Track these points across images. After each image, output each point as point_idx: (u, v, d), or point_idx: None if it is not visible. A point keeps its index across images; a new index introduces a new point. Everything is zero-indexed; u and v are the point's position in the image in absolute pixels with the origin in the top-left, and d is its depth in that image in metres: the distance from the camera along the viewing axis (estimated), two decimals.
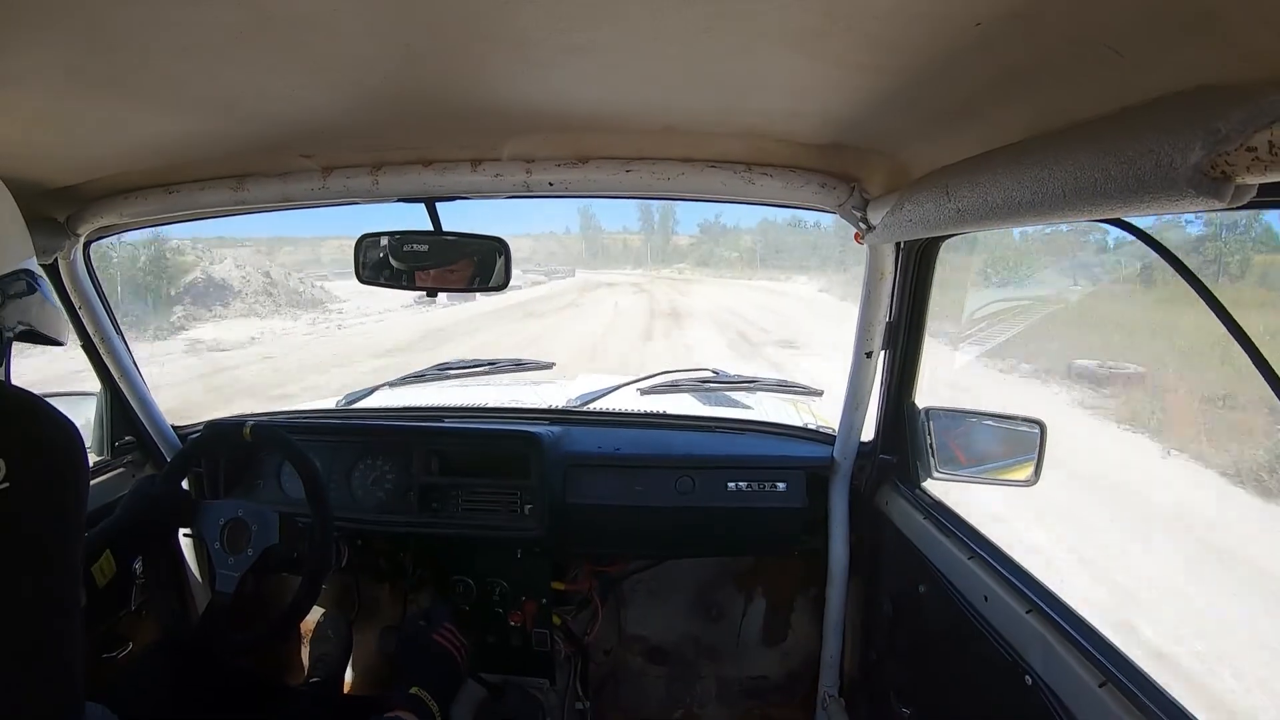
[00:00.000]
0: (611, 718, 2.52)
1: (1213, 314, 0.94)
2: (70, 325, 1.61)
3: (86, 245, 1.95)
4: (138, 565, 1.81)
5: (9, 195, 1.08)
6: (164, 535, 1.84)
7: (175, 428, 2.33)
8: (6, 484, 0.77)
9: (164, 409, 2.30)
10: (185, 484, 1.94)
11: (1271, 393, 0.86)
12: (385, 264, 1.72)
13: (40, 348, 1.16)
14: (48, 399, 0.88)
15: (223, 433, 1.98)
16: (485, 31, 0.89)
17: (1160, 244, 1.05)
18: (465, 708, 2.36)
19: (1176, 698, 1.06)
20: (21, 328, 1.04)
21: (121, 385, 2.16)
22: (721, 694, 2.57)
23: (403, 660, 1.81)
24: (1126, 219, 0.97)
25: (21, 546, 0.79)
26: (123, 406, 2.21)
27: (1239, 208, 0.66)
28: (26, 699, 0.78)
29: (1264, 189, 0.64)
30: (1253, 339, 0.90)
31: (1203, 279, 0.95)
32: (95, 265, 2.03)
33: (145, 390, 2.21)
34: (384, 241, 1.72)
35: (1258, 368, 0.87)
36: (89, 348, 2.08)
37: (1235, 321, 0.93)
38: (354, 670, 2.54)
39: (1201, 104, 0.65)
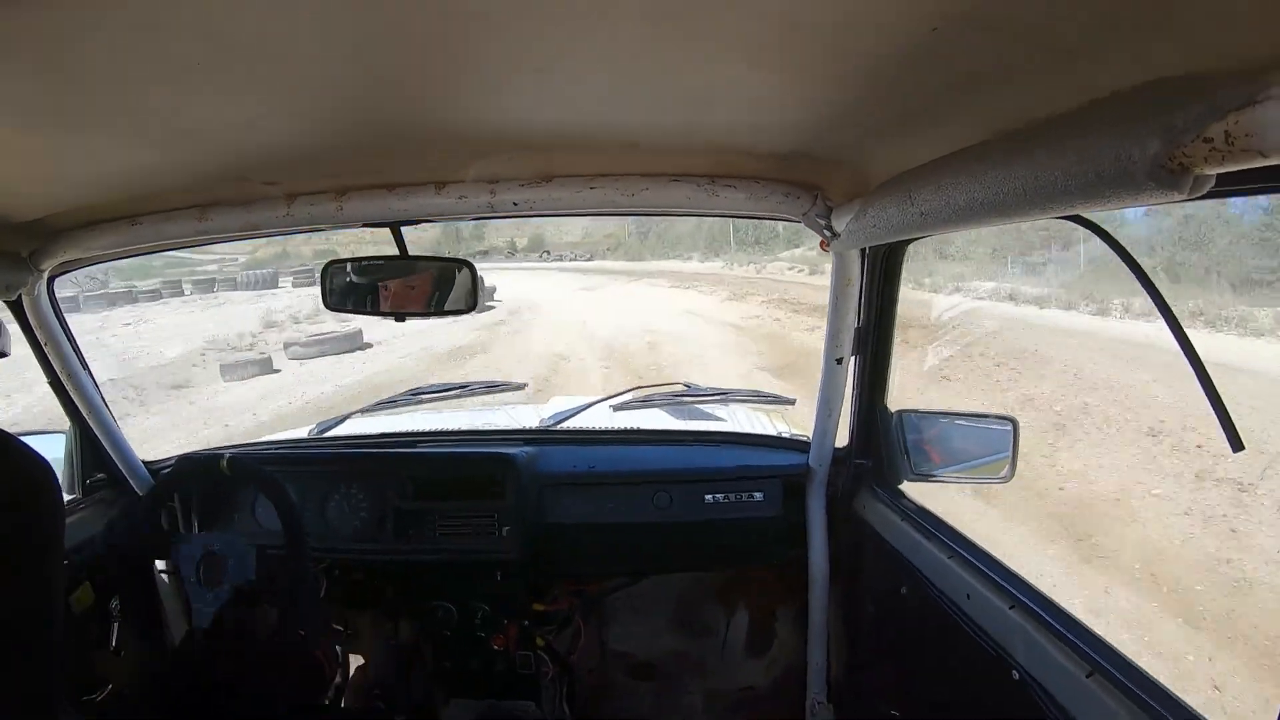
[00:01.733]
0: None
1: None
2: (9, 337, 1.57)
3: (50, 280, 1.91)
4: (115, 604, 1.76)
5: None
6: (141, 569, 1.80)
7: (145, 463, 2.28)
8: None
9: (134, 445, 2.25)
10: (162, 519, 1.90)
11: (1210, 406, 0.88)
12: (353, 290, 1.72)
13: None
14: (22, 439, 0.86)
15: (199, 466, 1.95)
16: (446, 56, 0.89)
17: (1116, 241, 1.07)
18: None
19: (1165, 684, 1.07)
20: None
21: (90, 422, 2.11)
22: (709, 707, 2.55)
23: None
24: (1086, 215, 0.99)
25: None
26: (92, 444, 2.16)
27: (1198, 198, 0.68)
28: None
29: (1221, 179, 0.65)
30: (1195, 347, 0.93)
31: (1154, 280, 0.98)
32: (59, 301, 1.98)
33: (115, 426, 2.16)
34: (350, 267, 1.72)
35: (1198, 378, 0.89)
36: (56, 385, 2.03)
37: (1180, 325, 0.95)
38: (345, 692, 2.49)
39: (1158, 98, 0.67)
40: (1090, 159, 0.72)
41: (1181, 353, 0.95)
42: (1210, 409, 0.92)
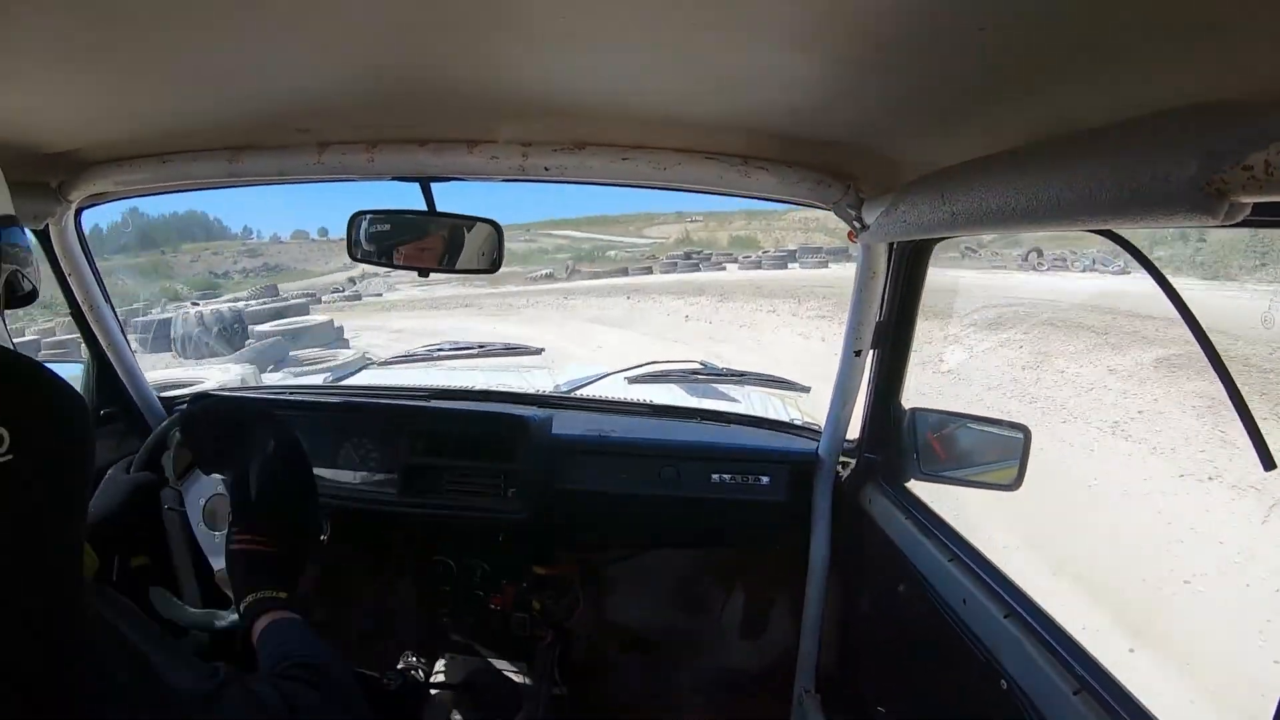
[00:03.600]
0: (588, 704, 2.53)
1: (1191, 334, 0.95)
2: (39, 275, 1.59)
3: (78, 212, 1.92)
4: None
5: None
6: (147, 523, 1.82)
7: (162, 398, 2.31)
8: (10, 456, 0.74)
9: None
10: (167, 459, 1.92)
11: (1243, 426, 0.87)
12: (378, 240, 1.72)
13: None
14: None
15: (212, 405, 1.97)
16: (488, 14, 0.88)
17: (1144, 255, 1.06)
18: (444, 686, 2.38)
19: (1149, 707, 1.07)
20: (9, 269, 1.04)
21: (109, 354, 2.14)
22: (699, 685, 2.58)
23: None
24: (1118, 231, 0.98)
25: (21, 522, 0.76)
26: (109, 377, 2.19)
27: (1232, 225, 0.66)
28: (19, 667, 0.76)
29: (1258, 208, 0.64)
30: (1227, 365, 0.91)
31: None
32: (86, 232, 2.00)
33: (132, 360, 2.19)
34: (377, 219, 1.71)
35: (1231, 399, 0.88)
36: (77, 315, 2.06)
37: (1213, 345, 0.94)
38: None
39: (1201, 121, 0.65)
40: (1127, 175, 0.71)
41: (1212, 369, 0.94)
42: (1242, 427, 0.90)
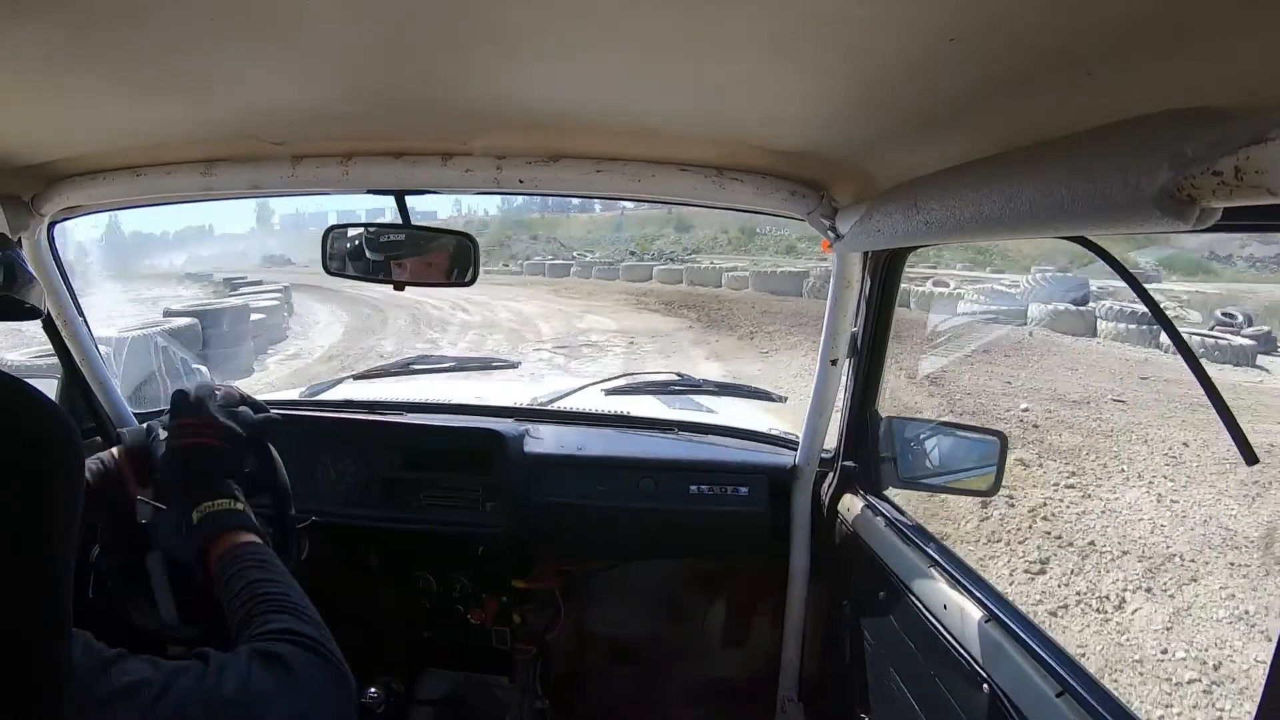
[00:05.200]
0: (572, 717, 2.51)
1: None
2: (43, 293, 1.55)
3: (51, 226, 1.89)
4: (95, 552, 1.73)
5: None
6: (127, 524, 1.77)
7: (136, 414, 2.27)
8: None
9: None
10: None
11: (1222, 423, 0.88)
12: (355, 255, 1.71)
13: None
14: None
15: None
16: (463, 26, 0.88)
17: (1116, 260, 1.07)
18: (426, 702, 2.35)
19: (1133, 709, 1.08)
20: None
21: (83, 369, 2.10)
22: (682, 695, 2.57)
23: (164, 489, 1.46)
24: (1090, 238, 0.99)
25: (10, 543, 0.73)
26: (83, 391, 2.15)
27: (1203, 230, 0.67)
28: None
29: (1229, 213, 0.65)
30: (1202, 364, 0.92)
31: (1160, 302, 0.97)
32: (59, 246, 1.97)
33: (106, 374, 2.15)
34: (352, 233, 1.71)
35: (1209, 397, 0.89)
36: (50, 330, 2.02)
37: (1189, 347, 0.95)
38: None
39: (1170, 127, 0.66)
40: (1098, 182, 0.72)
41: (1191, 371, 0.95)
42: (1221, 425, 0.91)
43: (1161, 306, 1.04)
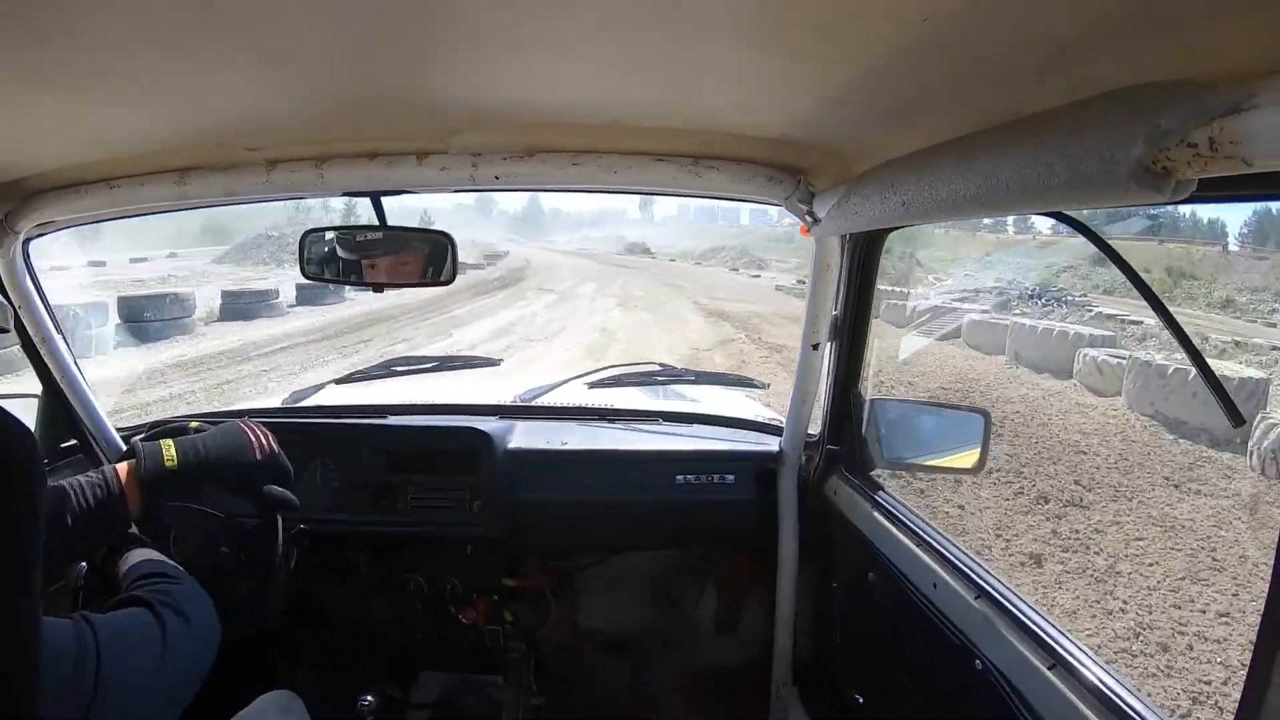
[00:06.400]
0: (568, 711, 2.51)
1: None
2: (11, 314, 1.52)
3: (26, 243, 1.86)
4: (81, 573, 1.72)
5: None
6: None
7: (118, 429, 2.24)
8: None
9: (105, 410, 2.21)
10: None
11: (1207, 387, 0.89)
12: (332, 259, 1.69)
13: None
14: None
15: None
16: (432, 24, 0.87)
17: (1099, 237, 1.08)
18: (422, 706, 2.34)
19: (1125, 679, 1.09)
20: None
21: (63, 386, 2.07)
22: (676, 685, 2.57)
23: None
24: (1068, 212, 0.99)
25: None
26: (65, 409, 2.12)
27: (1179, 202, 0.68)
28: None
29: (1204, 184, 0.65)
30: (1187, 333, 0.93)
31: (1140, 273, 0.98)
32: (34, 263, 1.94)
33: (87, 392, 2.12)
34: (329, 236, 1.69)
35: (1193, 362, 0.90)
36: (29, 348, 1.99)
37: (1170, 315, 0.96)
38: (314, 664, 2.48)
39: (1144, 100, 0.67)
40: (1074, 157, 0.72)
41: (1174, 339, 0.96)
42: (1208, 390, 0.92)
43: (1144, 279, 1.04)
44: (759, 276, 36.15)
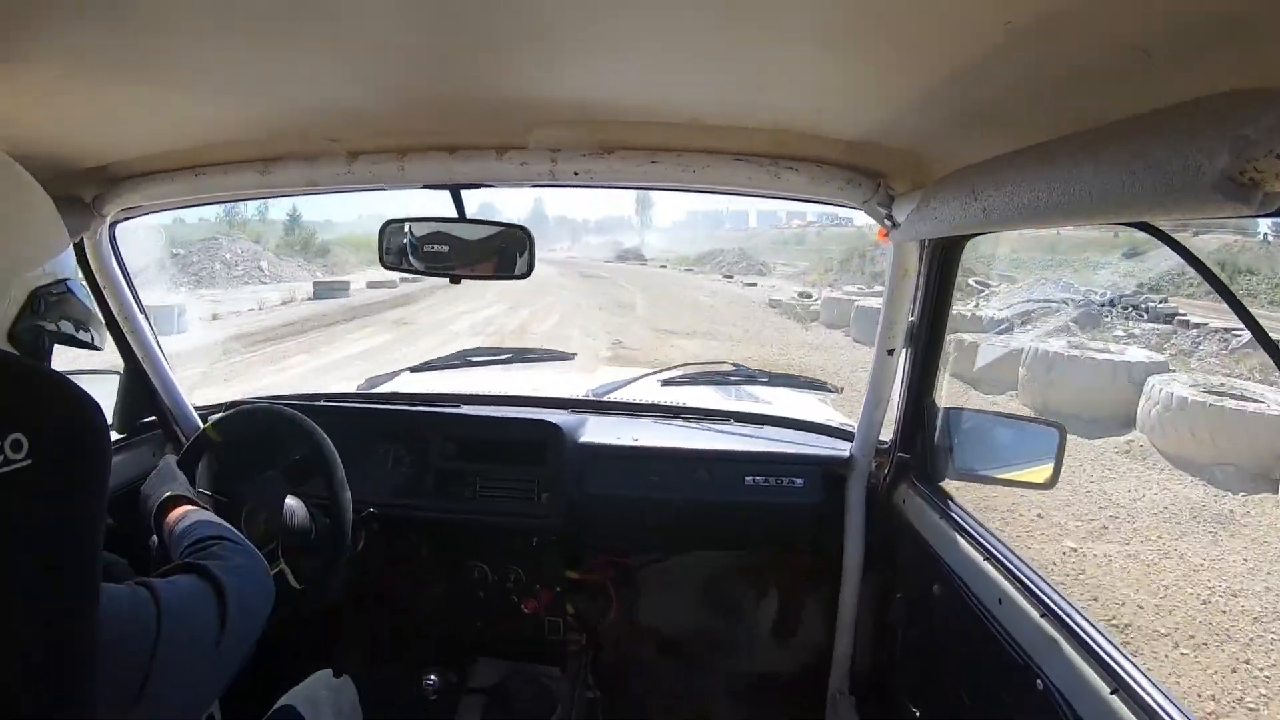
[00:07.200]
0: (622, 708, 2.53)
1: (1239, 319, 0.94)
2: (102, 324, 1.62)
3: (112, 226, 1.97)
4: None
5: (48, 200, 1.07)
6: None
7: (196, 408, 2.36)
8: (29, 461, 0.75)
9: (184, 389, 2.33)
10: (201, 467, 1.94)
11: None
12: (410, 250, 1.73)
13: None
14: (73, 377, 0.89)
15: (245, 415, 1.99)
16: (511, 22, 0.90)
17: (1185, 248, 1.04)
18: (478, 690, 2.39)
19: (1186, 708, 1.05)
20: (63, 326, 1.05)
21: (145, 365, 2.19)
22: (731, 688, 2.57)
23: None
24: (1152, 223, 0.97)
25: (38, 529, 0.77)
26: (145, 386, 2.24)
27: (1267, 215, 0.66)
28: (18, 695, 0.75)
29: None
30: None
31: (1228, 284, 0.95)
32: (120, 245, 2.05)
33: (167, 370, 2.24)
34: (408, 228, 1.73)
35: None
36: (113, 327, 2.11)
37: (1261, 327, 0.92)
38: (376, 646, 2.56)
39: (1231, 109, 0.65)
40: (1157, 166, 0.70)
41: (1266, 354, 0.92)
42: None
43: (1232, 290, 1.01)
44: (755, 285, 32.46)
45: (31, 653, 0.75)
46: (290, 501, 1.83)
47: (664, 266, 48.89)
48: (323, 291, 24.96)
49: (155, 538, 1.52)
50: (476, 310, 20.31)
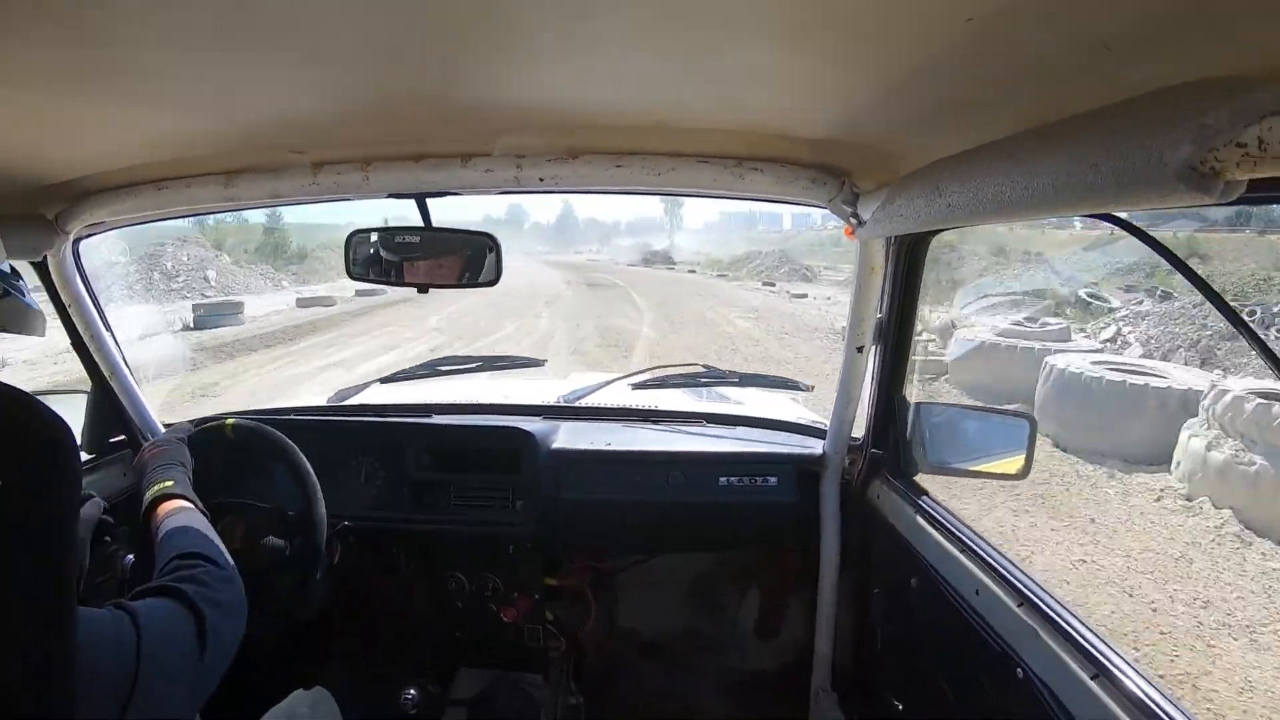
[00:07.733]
0: (606, 712, 2.52)
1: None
2: (44, 320, 1.58)
3: (75, 243, 1.93)
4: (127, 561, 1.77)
5: None
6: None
7: (165, 424, 2.31)
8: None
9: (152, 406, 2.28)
10: None
11: (1274, 377, 0.87)
12: (376, 259, 1.72)
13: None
14: (42, 397, 0.86)
15: (214, 431, 1.96)
16: (476, 28, 0.89)
17: (1151, 237, 1.06)
18: (460, 702, 2.37)
19: (1166, 690, 1.07)
20: None
21: (111, 383, 2.15)
22: (715, 688, 2.57)
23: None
24: (1117, 214, 0.98)
25: (7, 552, 0.75)
26: (113, 404, 2.20)
27: (1228, 203, 0.66)
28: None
29: (1253, 184, 0.64)
30: (1251, 326, 0.91)
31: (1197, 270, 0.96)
32: (84, 262, 2.01)
33: (134, 388, 2.20)
34: (374, 237, 1.71)
35: (1259, 354, 0.88)
36: (78, 345, 2.07)
37: (1232, 309, 0.94)
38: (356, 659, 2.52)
39: (1191, 98, 0.65)
40: (1120, 157, 0.71)
41: (1241, 337, 0.94)
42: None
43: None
44: (804, 296, 25.27)
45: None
46: (268, 512, 1.81)
47: (693, 271, 42.60)
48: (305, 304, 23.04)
49: (131, 557, 1.50)
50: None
